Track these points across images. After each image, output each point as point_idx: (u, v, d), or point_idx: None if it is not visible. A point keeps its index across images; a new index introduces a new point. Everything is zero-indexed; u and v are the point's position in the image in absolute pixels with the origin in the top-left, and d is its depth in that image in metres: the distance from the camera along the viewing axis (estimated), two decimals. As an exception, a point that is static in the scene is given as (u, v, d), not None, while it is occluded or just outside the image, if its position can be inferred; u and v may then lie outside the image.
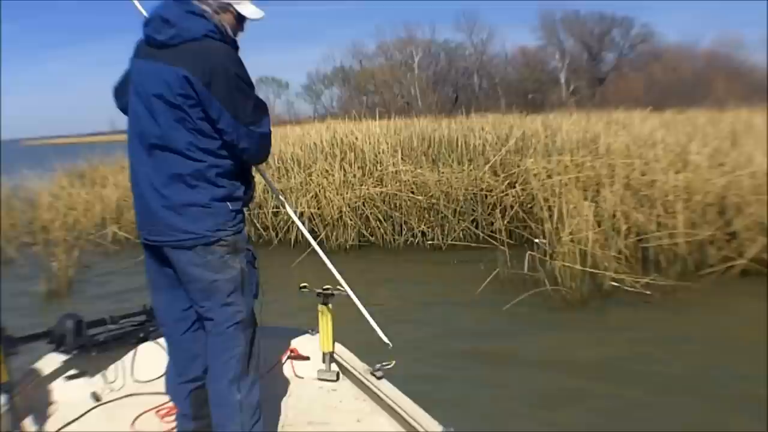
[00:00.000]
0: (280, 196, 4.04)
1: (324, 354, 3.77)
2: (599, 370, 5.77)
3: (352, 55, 72.56)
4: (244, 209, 2.93)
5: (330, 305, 3.67)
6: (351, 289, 3.61)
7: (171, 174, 2.71)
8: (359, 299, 3.58)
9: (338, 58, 73.29)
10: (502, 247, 9.01)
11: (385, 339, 3.58)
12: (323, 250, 3.67)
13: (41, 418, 3.33)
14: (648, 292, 7.46)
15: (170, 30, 2.65)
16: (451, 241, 10.60)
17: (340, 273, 3.60)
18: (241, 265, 2.84)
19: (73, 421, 3.34)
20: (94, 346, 3.66)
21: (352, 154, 12.00)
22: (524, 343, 6.57)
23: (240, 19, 2.84)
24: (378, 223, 10.89)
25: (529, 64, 65.26)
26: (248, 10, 2.83)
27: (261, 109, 2.82)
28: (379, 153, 11.97)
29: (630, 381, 5.49)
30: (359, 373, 3.61)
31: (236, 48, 2.82)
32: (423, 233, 10.85)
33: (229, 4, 2.77)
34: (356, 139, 12.51)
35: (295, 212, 4.05)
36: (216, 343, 2.86)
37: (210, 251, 2.76)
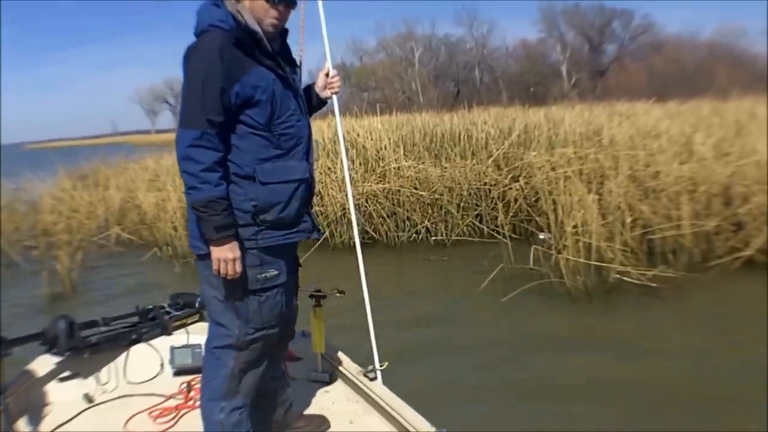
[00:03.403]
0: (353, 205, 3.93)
1: (317, 355, 3.77)
2: (605, 366, 5.71)
3: (353, 52, 72.85)
4: (252, 227, 2.63)
5: (322, 307, 3.68)
6: (349, 291, 3.62)
7: None
8: (360, 299, 3.58)
9: (338, 55, 73.44)
10: (506, 242, 8.96)
11: (378, 365, 3.55)
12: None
13: (34, 419, 3.34)
14: (654, 285, 7.39)
15: (196, 22, 2.61)
16: (456, 236, 10.55)
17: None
18: (247, 288, 2.65)
19: (66, 422, 3.35)
20: (86, 347, 3.64)
21: (354, 150, 11.95)
22: (527, 339, 6.50)
23: (280, 3, 2.66)
24: (381, 219, 10.84)
25: (530, 56, 65.45)
26: None
27: (190, 115, 2.48)
28: (381, 149, 11.91)
29: (635, 377, 5.42)
30: (352, 375, 3.62)
31: (257, 40, 2.59)
32: (427, 229, 10.79)
33: None
34: (358, 135, 12.46)
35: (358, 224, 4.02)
36: (206, 359, 2.83)
37: (207, 265, 2.62)
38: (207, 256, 2.60)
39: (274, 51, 2.67)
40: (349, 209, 3.85)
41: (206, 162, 2.44)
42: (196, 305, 4.22)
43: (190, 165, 2.44)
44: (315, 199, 10.84)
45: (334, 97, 3.26)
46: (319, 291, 3.66)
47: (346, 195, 3.82)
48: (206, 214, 2.45)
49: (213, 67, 2.46)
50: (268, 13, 2.65)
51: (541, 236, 8.46)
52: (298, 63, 2.90)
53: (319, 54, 3.31)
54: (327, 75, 3.15)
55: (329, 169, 11.44)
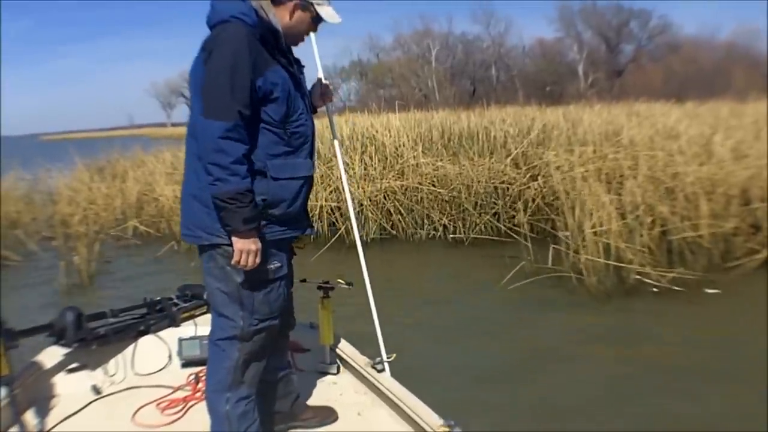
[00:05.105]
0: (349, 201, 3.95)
1: (324, 347, 3.77)
2: (618, 365, 5.69)
3: (369, 49, 72.96)
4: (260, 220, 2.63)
5: (330, 298, 3.68)
6: (359, 284, 3.63)
7: (190, 162, 2.67)
8: (375, 294, 3.59)
9: (355, 52, 73.64)
10: (524, 242, 8.93)
11: (385, 357, 3.56)
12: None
13: (42, 411, 3.34)
14: (674, 287, 7.36)
15: (210, 13, 2.62)
16: (473, 234, 10.53)
17: (359, 265, 3.58)
18: (266, 279, 2.70)
19: (74, 414, 3.35)
20: (94, 339, 3.63)
21: (373, 147, 11.96)
22: (541, 338, 6.47)
23: (316, 21, 2.82)
24: (399, 216, 10.85)
25: (546, 56, 65.23)
26: (326, 12, 2.80)
27: (219, 106, 2.44)
28: (399, 146, 11.92)
29: (646, 376, 5.40)
30: (360, 366, 3.63)
31: (278, 39, 2.65)
32: (444, 226, 10.79)
33: (311, 4, 2.73)
34: (376, 132, 12.47)
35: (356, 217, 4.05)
36: (210, 350, 2.84)
37: (211, 256, 2.68)
38: (210, 247, 2.65)
39: (287, 51, 2.74)
40: (346, 200, 3.88)
41: (236, 154, 2.44)
42: (204, 297, 4.22)
43: (220, 157, 2.42)
44: (332, 195, 10.96)
45: (327, 104, 3.38)
46: (327, 282, 3.67)
47: (344, 193, 3.85)
48: (234, 205, 2.45)
49: (241, 57, 2.46)
50: (305, 27, 2.81)
51: (560, 235, 8.43)
52: (302, 64, 2.96)
53: (334, 48, 3.42)
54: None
55: (347, 164, 11.44)
